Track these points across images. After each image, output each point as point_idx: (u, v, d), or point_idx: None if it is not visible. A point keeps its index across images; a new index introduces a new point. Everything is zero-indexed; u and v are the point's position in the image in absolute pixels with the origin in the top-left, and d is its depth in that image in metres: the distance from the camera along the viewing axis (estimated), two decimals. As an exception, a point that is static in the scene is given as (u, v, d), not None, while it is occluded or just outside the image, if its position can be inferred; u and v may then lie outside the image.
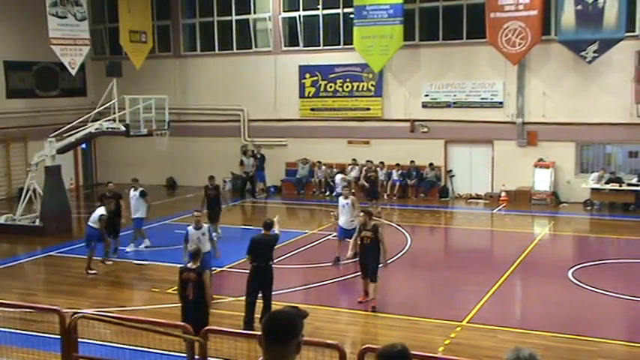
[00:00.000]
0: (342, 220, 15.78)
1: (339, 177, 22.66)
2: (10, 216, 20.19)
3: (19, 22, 25.49)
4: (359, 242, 12.69)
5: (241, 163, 25.37)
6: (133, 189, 17.28)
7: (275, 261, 15.46)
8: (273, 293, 11.52)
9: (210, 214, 17.87)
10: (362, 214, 12.89)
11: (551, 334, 10.98)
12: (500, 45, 22.25)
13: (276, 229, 11.67)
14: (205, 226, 12.62)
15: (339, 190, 20.85)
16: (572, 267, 15.06)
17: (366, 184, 21.26)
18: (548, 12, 22.50)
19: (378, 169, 25.01)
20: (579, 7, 21.32)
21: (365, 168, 22.44)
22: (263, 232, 11.57)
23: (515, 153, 23.63)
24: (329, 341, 7.34)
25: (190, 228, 12.69)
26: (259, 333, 3.31)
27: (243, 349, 8.39)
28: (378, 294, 12.42)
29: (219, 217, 18.18)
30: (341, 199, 16.15)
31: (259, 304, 11.31)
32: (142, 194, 17.13)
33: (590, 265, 15.46)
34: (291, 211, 23.93)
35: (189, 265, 10.12)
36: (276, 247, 11.84)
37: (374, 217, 18.97)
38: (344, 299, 13.47)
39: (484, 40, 22.87)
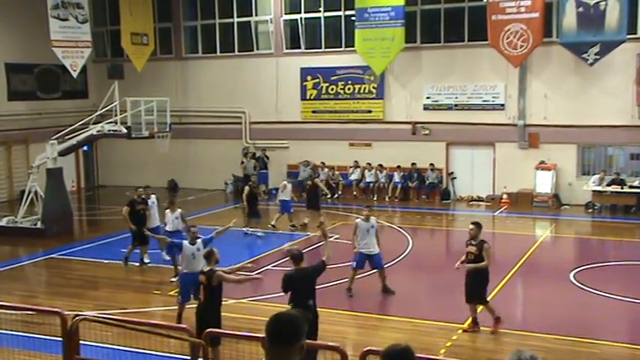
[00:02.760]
0: (368, 246, 13.43)
1: (283, 184, 20.40)
2: (11, 218, 20.20)
3: (21, 25, 25.52)
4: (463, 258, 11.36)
5: (242, 163, 25.41)
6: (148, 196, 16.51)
7: (276, 264, 15.55)
8: (275, 295, 11.40)
9: (255, 211, 19.29)
10: (472, 225, 11.38)
11: (552, 337, 10.97)
12: (501, 47, 22.25)
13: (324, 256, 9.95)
14: (199, 241, 12.30)
15: (282, 197, 19.89)
16: (574, 269, 15.05)
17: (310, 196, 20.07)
18: (550, 14, 22.52)
19: (378, 171, 25.09)
20: (581, 9, 21.32)
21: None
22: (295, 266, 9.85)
23: (517, 155, 23.62)
24: (330, 343, 7.35)
25: (186, 243, 12.15)
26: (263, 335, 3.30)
27: (245, 351, 8.37)
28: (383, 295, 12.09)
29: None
30: (361, 222, 13.50)
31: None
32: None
33: (592, 268, 15.46)
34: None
35: (203, 268, 10.28)
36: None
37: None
38: (345, 301, 13.43)
39: (485, 42, 22.87)
